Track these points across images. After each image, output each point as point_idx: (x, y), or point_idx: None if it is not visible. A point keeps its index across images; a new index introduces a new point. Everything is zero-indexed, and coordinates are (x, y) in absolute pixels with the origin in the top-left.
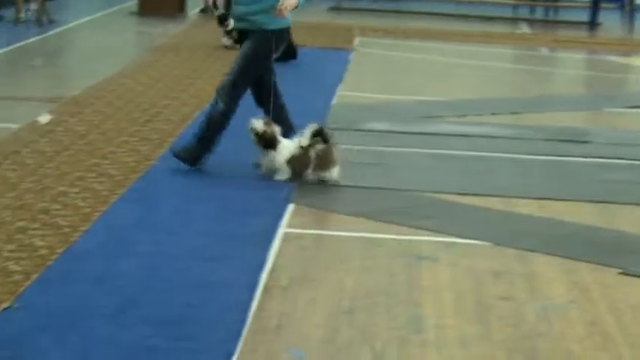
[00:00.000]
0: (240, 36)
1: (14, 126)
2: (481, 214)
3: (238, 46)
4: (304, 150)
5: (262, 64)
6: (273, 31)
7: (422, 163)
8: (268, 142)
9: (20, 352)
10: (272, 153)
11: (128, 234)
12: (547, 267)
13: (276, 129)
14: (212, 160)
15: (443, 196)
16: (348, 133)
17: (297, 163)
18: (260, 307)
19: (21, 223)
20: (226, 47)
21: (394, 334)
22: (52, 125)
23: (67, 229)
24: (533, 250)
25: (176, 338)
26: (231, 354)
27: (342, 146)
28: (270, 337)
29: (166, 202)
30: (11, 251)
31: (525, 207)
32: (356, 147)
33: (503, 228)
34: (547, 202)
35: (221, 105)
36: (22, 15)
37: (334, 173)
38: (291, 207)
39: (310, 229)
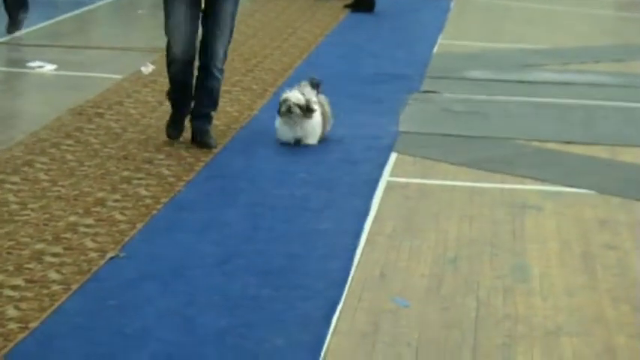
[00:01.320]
0: None
1: (118, 76)
2: (585, 163)
3: None
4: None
5: None
6: None
7: (524, 111)
8: (309, 109)
9: (127, 300)
10: (308, 120)
11: (231, 184)
12: None
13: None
14: None
15: (546, 145)
16: (450, 82)
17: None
18: (364, 256)
19: (125, 173)
20: None
21: (499, 283)
22: (155, 75)
23: (171, 179)
24: (638, 199)
25: (281, 287)
26: (336, 302)
27: (444, 95)
28: (374, 285)
29: (268, 153)
30: (116, 201)
31: (630, 155)
32: (458, 96)
33: (607, 176)
34: None
35: (219, 76)
36: None
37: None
38: (394, 156)
39: (413, 178)
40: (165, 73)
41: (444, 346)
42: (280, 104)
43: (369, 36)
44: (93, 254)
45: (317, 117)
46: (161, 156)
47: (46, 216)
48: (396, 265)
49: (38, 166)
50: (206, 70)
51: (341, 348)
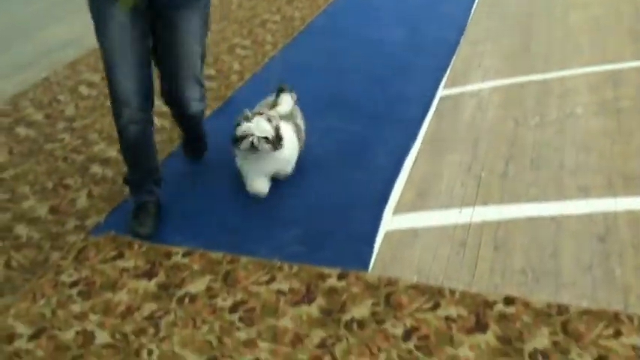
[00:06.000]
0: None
1: None
2: None
3: None
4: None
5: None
6: None
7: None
8: (279, 139)
9: None
10: (280, 152)
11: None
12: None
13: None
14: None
15: None
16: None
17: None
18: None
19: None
20: None
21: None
22: None
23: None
24: None
25: (396, 89)
26: (440, 79)
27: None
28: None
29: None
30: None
31: None
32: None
33: None
34: None
35: (202, 105)
36: None
37: None
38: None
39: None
40: None
41: (504, 135)
42: (238, 138)
43: None
44: None
45: (288, 146)
46: None
47: None
48: (468, 70)
49: None
50: (179, 113)
51: (443, 105)
